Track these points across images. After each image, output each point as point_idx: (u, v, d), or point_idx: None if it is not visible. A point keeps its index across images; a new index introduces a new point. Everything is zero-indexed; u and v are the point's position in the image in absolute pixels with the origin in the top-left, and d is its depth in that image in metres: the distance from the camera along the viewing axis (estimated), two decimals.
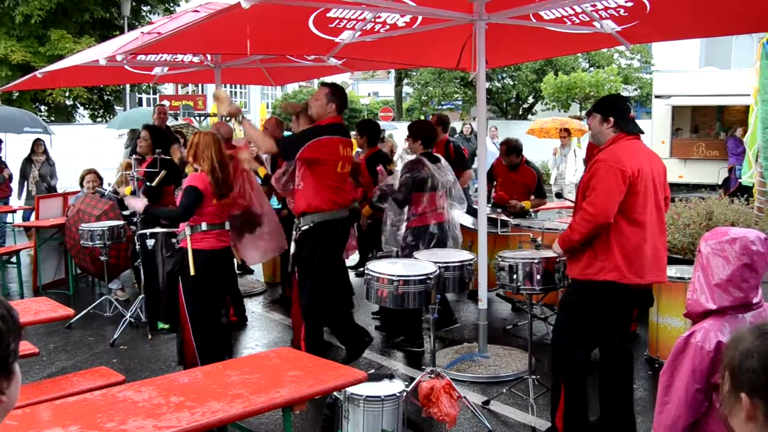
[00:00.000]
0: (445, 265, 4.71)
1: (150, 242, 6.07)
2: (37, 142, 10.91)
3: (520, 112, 32.91)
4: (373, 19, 5.47)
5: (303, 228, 5.10)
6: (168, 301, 5.57)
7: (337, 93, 5.16)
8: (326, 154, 5.01)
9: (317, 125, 5.09)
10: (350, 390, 3.62)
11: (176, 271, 5.10)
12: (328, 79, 7.82)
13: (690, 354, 2.39)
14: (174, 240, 5.35)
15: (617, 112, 3.94)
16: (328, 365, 3.45)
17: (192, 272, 4.82)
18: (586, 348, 4.05)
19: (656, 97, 17.31)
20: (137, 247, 6.31)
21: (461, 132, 15.31)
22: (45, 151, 10.94)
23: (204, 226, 4.87)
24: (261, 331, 6.70)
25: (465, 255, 5.01)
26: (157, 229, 6.23)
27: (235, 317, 6.60)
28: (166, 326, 5.88)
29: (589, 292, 3.91)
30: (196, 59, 7.50)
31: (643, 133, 4.04)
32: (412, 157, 5.86)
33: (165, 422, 2.64)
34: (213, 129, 6.85)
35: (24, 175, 10.71)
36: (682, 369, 2.40)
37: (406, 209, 5.60)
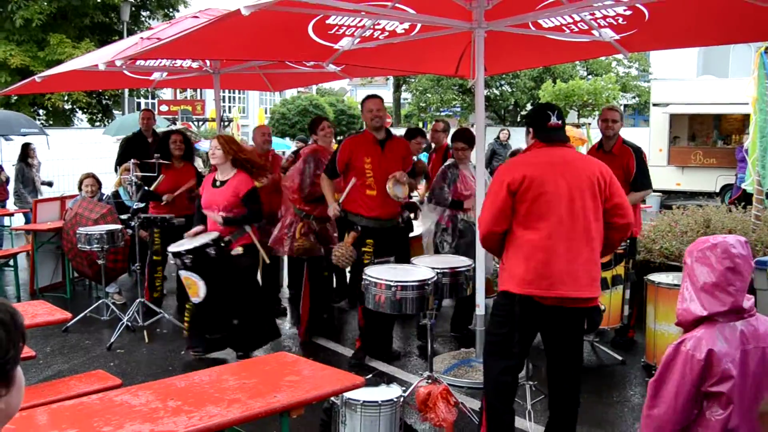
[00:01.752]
0: (443, 270, 4.71)
1: (212, 252, 5.50)
2: (30, 147, 10.98)
3: (518, 119, 33.01)
4: (372, 26, 5.49)
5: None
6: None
7: None
8: None
9: None
10: (347, 395, 3.62)
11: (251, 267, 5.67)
12: (327, 86, 7.90)
13: (680, 362, 2.40)
14: (223, 244, 5.43)
15: (534, 123, 3.85)
16: (325, 370, 3.45)
17: (268, 260, 5.75)
18: (508, 361, 3.77)
19: (654, 105, 17.40)
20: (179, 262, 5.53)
21: (497, 138, 15.16)
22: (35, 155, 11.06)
23: None
24: None
25: (463, 261, 5.02)
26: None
27: None
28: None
29: (497, 304, 3.84)
30: (195, 65, 7.52)
31: (557, 141, 3.77)
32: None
33: (162, 427, 2.64)
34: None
35: (24, 179, 10.73)
36: (673, 377, 2.42)
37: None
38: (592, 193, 3.63)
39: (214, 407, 2.83)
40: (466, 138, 6.11)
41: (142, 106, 26.91)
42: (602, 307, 4.66)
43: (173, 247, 5.46)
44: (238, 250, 5.45)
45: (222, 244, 5.39)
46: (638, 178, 5.71)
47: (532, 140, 3.85)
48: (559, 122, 3.80)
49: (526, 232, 3.62)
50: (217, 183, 5.51)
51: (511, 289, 3.66)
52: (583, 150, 13.65)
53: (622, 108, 32.79)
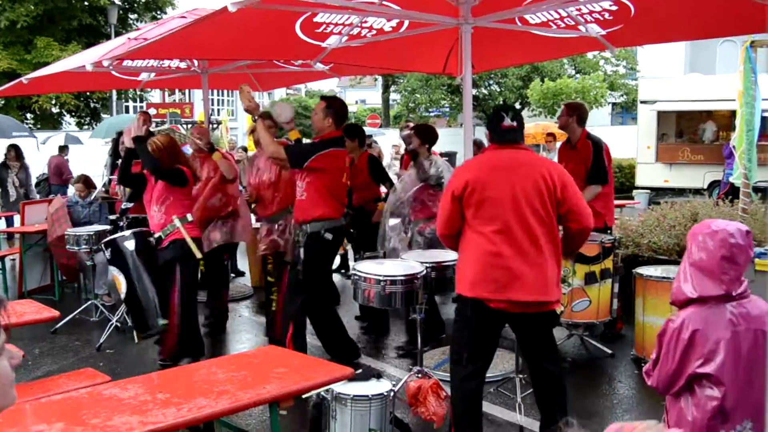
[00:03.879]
0: (432, 265, 4.73)
1: (130, 244, 5.62)
2: (9, 148, 11.02)
3: None
4: (359, 24, 5.49)
5: (311, 233, 5.16)
6: (162, 296, 5.41)
7: (332, 107, 5.33)
8: (333, 164, 5.18)
9: (325, 139, 5.24)
10: (337, 389, 3.62)
11: (172, 262, 5.19)
12: (315, 85, 7.90)
13: (667, 337, 2.51)
14: (150, 239, 5.32)
15: (490, 125, 3.85)
16: (314, 362, 3.46)
17: (199, 255, 5.26)
18: (468, 366, 3.76)
19: (642, 102, 17.49)
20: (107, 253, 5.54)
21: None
22: (20, 157, 11.04)
23: (189, 216, 5.31)
24: (248, 334, 6.69)
25: (452, 255, 5.03)
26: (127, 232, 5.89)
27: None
28: (166, 321, 5.38)
29: (456, 309, 3.89)
30: (182, 65, 7.49)
31: (511, 142, 3.75)
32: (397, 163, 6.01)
33: (151, 418, 2.64)
34: (194, 131, 6.90)
35: (1, 182, 10.82)
36: (662, 351, 2.53)
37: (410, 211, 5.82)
38: (540, 197, 3.58)
39: (203, 399, 2.83)
40: (419, 131, 6.15)
41: (131, 109, 26.82)
42: (559, 311, 4.57)
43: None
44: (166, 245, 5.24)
45: (150, 239, 5.33)
46: (591, 171, 5.72)
47: (489, 143, 3.89)
48: (514, 123, 3.76)
49: (474, 235, 3.67)
50: None
51: (463, 292, 3.71)
52: None
53: (610, 106, 32.94)
